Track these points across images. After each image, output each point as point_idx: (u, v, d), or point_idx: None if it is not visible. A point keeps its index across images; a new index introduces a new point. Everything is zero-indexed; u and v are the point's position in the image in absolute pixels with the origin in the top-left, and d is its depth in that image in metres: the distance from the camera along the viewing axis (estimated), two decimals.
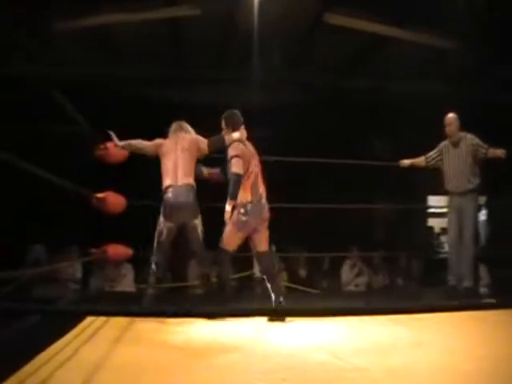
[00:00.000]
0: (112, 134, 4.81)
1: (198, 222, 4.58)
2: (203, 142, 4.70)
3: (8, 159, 2.76)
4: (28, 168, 3.08)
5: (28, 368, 2.56)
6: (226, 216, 4.38)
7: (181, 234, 4.62)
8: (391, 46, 7.65)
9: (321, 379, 2.51)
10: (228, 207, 4.35)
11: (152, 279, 4.54)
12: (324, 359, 2.87)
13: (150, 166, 4.90)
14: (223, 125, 4.71)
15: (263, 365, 2.72)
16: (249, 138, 4.73)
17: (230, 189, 4.37)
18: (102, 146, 4.88)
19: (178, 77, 8.30)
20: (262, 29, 7.04)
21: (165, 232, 4.51)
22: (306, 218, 7.47)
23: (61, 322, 3.70)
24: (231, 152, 4.48)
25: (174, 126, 4.81)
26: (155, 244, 4.57)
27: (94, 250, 5.40)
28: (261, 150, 4.81)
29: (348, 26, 7.17)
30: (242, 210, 4.38)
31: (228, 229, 4.43)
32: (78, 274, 7.27)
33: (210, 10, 6.86)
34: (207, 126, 4.74)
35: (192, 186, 4.57)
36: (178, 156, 4.58)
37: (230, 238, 4.45)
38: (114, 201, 5.17)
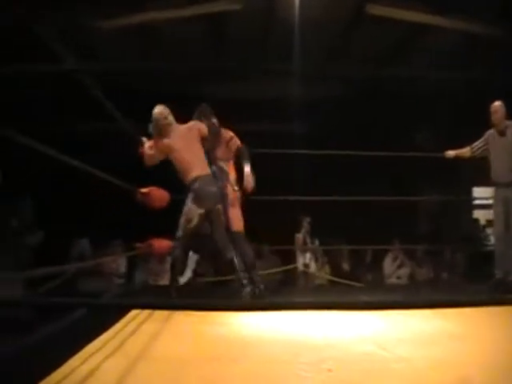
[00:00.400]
0: (144, 140, 4.89)
1: (221, 206, 4.77)
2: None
3: (50, 154, 2.80)
4: (67, 161, 3.12)
5: (76, 358, 2.62)
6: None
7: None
8: (432, 34, 7.52)
9: (366, 370, 2.49)
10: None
11: (176, 270, 4.66)
12: (369, 350, 2.85)
13: None
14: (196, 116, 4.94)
15: (308, 356, 2.71)
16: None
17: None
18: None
19: (217, 71, 8.34)
20: (303, 22, 7.00)
21: (195, 219, 4.63)
22: (349, 211, 7.42)
23: (106, 316, 3.75)
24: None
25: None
26: (181, 232, 4.68)
27: (139, 245, 5.47)
28: (302, 142, 4.83)
29: (389, 16, 7.08)
30: None
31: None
32: (123, 269, 7.39)
33: (251, 4, 6.86)
34: (246, 119, 4.77)
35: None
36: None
37: None
38: (159, 195, 5.22)
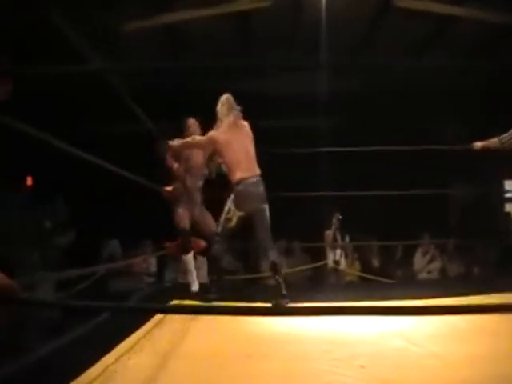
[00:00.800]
0: (167, 143, 4.93)
1: (266, 206, 4.63)
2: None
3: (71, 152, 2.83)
4: (98, 163, 3.16)
5: (109, 357, 2.65)
6: None
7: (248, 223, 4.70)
8: (459, 25, 7.43)
9: (399, 366, 2.48)
10: None
11: (216, 266, 4.67)
12: (400, 346, 2.84)
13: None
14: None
15: (339, 352, 2.70)
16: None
17: None
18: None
19: (246, 67, 8.35)
20: (330, 16, 6.97)
21: (234, 220, 4.59)
22: (379, 206, 7.37)
23: (136, 315, 3.78)
24: None
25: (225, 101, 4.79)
26: (220, 229, 4.66)
27: (168, 244, 5.51)
28: (330, 138, 4.80)
29: (416, 9, 7.02)
30: None
31: None
32: (153, 268, 7.44)
33: (279, 1, 6.86)
34: (275, 115, 4.75)
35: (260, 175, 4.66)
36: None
37: None
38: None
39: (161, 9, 6.94)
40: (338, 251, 7.68)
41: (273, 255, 4.62)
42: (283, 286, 4.48)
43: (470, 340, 3.00)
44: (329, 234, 7.69)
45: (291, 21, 7.47)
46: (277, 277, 4.57)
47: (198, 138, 4.84)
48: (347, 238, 7.80)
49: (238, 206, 4.57)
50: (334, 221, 7.69)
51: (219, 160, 4.89)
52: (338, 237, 7.65)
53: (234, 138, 4.60)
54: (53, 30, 2.49)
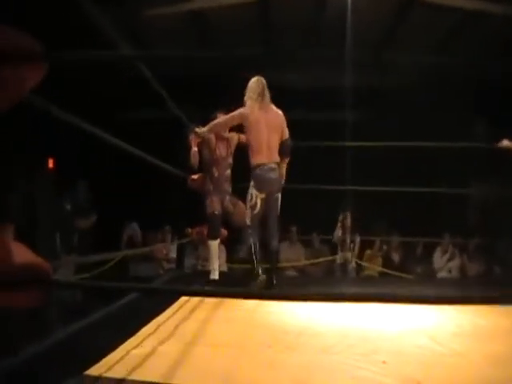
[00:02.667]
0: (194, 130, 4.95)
1: (279, 195, 4.76)
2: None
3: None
4: (121, 146, 3.16)
5: (131, 342, 2.67)
6: None
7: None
8: (486, 21, 7.33)
9: (421, 362, 2.46)
10: None
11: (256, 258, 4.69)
12: (422, 343, 2.82)
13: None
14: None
15: (362, 347, 2.69)
16: None
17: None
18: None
19: (267, 58, 8.30)
20: (354, 9, 6.92)
21: (258, 204, 4.67)
22: (401, 202, 7.33)
23: (157, 300, 3.79)
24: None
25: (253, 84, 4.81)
26: (249, 221, 4.73)
27: (190, 231, 5.52)
28: (353, 132, 4.79)
29: (440, 3, 6.94)
30: None
31: None
32: (173, 254, 7.48)
33: None
34: (296, 107, 4.74)
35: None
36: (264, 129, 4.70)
37: None
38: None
39: None
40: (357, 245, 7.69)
41: (274, 244, 4.76)
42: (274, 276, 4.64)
43: (493, 339, 2.97)
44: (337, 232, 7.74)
45: (313, 12, 7.42)
46: (271, 266, 4.72)
47: (226, 116, 4.86)
48: (357, 238, 7.80)
49: (258, 188, 4.67)
50: (341, 219, 7.69)
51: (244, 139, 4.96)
52: (346, 235, 7.67)
53: (261, 120, 4.64)
54: (81, 15, 2.49)
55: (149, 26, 7.41)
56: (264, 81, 4.77)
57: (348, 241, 7.61)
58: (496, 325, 3.38)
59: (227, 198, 5.18)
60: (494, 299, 1.99)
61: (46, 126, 5.11)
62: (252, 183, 4.71)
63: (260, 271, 4.66)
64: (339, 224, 7.72)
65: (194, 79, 7.95)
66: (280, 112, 4.78)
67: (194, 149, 5.01)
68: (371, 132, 6.20)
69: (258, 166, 4.66)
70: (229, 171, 5.24)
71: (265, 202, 4.74)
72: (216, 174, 5.16)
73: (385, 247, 7.97)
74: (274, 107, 4.77)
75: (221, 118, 4.89)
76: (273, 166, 4.68)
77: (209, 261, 5.19)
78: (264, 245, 4.78)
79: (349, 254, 7.58)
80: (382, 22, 7.58)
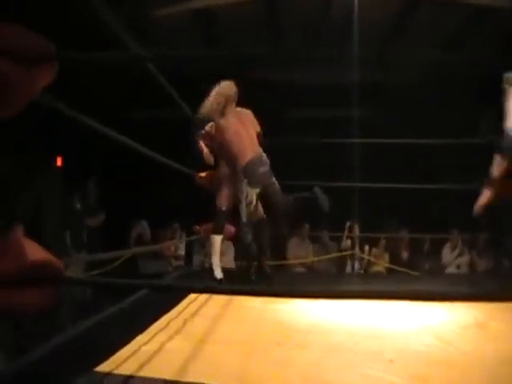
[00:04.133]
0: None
1: (274, 180, 4.84)
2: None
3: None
4: (130, 145, 3.18)
5: (141, 339, 2.69)
6: None
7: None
8: (494, 17, 7.30)
9: (429, 361, 2.47)
10: None
11: (251, 256, 4.74)
12: (430, 342, 2.82)
13: None
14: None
15: (370, 345, 2.70)
16: None
17: None
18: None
19: (275, 56, 8.32)
20: (360, 7, 6.92)
21: (254, 199, 4.75)
22: (409, 198, 7.32)
23: (166, 297, 3.82)
24: None
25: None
26: (244, 218, 4.77)
27: (198, 228, 5.54)
28: (360, 130, 4.81)
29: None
30: None
31: None
32: (181, 251, 7.50)
33: None
34: (301, 105, 4.76)
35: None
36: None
37: None
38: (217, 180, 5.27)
39: None
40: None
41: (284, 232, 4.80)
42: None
43: (500, 338, 2.97)
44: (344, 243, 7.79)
45: (320, 10, 7.42)
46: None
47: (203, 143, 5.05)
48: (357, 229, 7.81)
49: (251, 184, 4.74)
50: (347, 226, 7.72)
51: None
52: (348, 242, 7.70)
53: (236, 123, 4.78)
54: (91, 15, 2.51)
55: (155, 25, 7.42)
56: (228, 85, 4.91)
57: (357, 251, 7.63)
58: (504, 322, 3.37)
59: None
60: (506, 296, 1.99)
61: (54, 125, 5.14)
62: (245, 181, 4.75)
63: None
64: (346, 232, 7.75)
65: (199, 78, 7.97)
66: (247, 110, 4.95)
67: (205, 150, 5.08)
68: (378, 129, 6.20)
69: (248, 162, 4.73)
70: None
71: (262, 194, 4.82)
72: (223, 171, 5.20)
73: (391, 244, 7.96)
74: (238, 108, 4.92)
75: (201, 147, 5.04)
76: (260, 157, 4.79)
77: (210, 257, 5.20)
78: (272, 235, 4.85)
79: (356, 251, 7.59)
80: (388, 20, 7.55)
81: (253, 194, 4.76)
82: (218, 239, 5.14)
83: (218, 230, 5.17)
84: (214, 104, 4.77)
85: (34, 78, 1.17)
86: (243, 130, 4.77)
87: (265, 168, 4.77)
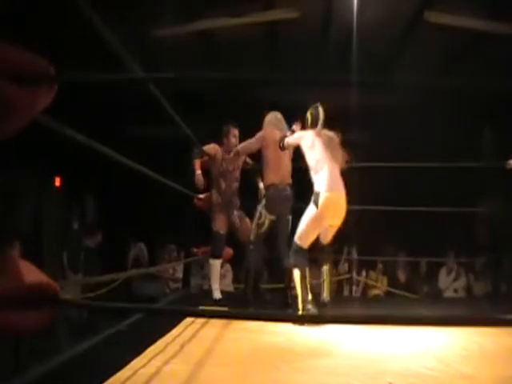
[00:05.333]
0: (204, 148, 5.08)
1: (290, 217, 4.84)
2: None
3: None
4: (128, 165, 3.17)
5: (137, 362, 2.66)
6: None
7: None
8: (493, 42, 7.34)
9: None
10: None
11: (251, 275, 4.72)
12: (430, 365, 2.80)
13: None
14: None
15: (369, 368, 2.68)
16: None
17: None
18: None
19: (275, 79, 8.37)
20: (360, 30, 6.96)
21: (266, 224, 4.78)
22: (407, 221, 7.32)
23: (163, 320, 3.79)
24: None
25: (271, 116, 5.09)
26: (253, 237, 4.83)
27: (195, 250, 5.52)
28: (357, 153, 4.84)
29: (448, 24, 6.97)
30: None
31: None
32: (179, 274, 7.47)
33: (307, 12, 6.88)
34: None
35: (291, 185, 4.92)
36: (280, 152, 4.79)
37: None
38: None
39: (191, 18, 7.01)
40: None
41: (285, 263, 4.69)
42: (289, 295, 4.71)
43: (501, 361, 2.96)
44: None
45: (319, 33, 7.48)
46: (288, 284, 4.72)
47: (249, 142, 5.07)
48: (355, 253, 7.80)
49: (268, 209, 4.78)
50: (345, 251, 7.72)
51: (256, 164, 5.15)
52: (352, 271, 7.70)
53: (277, 144, 4.73)
54: (92, 35, 2.52)
55: (156, 47, 7.47)
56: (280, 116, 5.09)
57: (354, 275, 7.63)
58: (504, 346, 3.36)
59: (235, 212, 5.20)
60: (503, 321, 1.97)
61: (53, 145, 5.15)
62: (263, 202, 4.82)
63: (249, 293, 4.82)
64: (344, 255, 7.76)
65: (199, 96, 8.02)
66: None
67: (198, 172, 5.08)
68: (375, 152, 6.22)
69: (272, 185, 4.81)
70: (236, 184, 5.28)
71: (275, 223, 4.83)
72: (223, 187, 5.20)
73: (388, 267, 7.94)
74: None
75: (247, 142, 5.08)
76: (286, 187, 4.85)
77: (210, 280, 5.17)
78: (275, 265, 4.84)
79: (353, 275, 7.59)
80: (388, 42, 7.60)
81: (267, 218, 4.81)
82: (217, 263, 5.13)
83: (216, 254, 5.15)
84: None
85: (33, 99, 1.17)
86: (281, 153, 4.80)
87: (287, 197, 4.83)
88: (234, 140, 5.21)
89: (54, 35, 5.94)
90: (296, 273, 4.27)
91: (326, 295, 4.54)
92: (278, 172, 4.84)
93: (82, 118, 4.68)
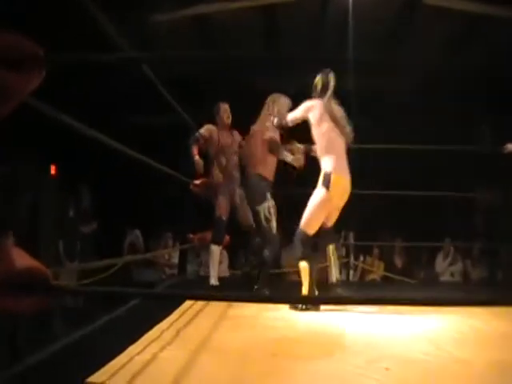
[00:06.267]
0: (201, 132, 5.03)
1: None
2: None
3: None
4: (124, 151, 3.15)
5: (134, 348, 2.65)
6: None
7: None
8: (491, 24, 7.30)
9: (424, 370, 2.45)
10: None
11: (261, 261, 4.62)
12: (426, 350, 2.80)
13: None
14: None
15: (365, 354, 2.67)
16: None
17: None
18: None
19: (272, 62, 8.32)
20: (356, 13, 6.92)
21: (272, 211, 4.60)
22: (404, 206, 7.32)
23: (160, 306, 3.78)
24: None
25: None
26: (267, 225, 4.60)
27: (192, 236, 5.51)
28: (356, 137, 4.73)
29: (445, 6, 6.93)
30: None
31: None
32: (175, 260, 7.47)
33: None
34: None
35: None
36: None
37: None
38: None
39: (187, 1, 6.96)
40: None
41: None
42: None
43: (496, 345, 2.97)
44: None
45: (316, 16, 7.43)
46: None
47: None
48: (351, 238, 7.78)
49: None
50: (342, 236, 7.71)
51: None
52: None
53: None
54: (86, 18, 2.49)
55: (153, 31, 7.41)
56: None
57: (352, 260, 7.60)
58: (498, 330, 3.38)
59: (237, 191, 5.18)
60: (495, 301, 1.98)
61: (48, 132, 5.12)
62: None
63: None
64: (341, 240, 7.72)
65: (195, 81, 7.98)
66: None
67: (196, 157, 5.08)
68: (372, 135, 6.19)
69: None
70: (236, 158, 5.28)
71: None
72: (224, 162, 5.21)
73: (385, 252, 7.95)
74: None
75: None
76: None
77: (209, 266, 5.16)
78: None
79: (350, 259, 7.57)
80: (385, 25, 7.56)
81: (272, 205, 4.63)
82: (217, 250, 5.11)
83: (217, 240, 5.13)
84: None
85: (23, 81, 1.16)
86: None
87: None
88: (225, 115, 5.27)
89: (48, 20, 5.87)
90: (303, 265, 4.10)
91: (335, 275, 4.35)
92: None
93: (77, 105, 4.64)
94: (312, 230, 4.12)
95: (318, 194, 4.03)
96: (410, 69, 7.90)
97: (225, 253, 7.08)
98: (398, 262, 7.95)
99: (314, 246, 4.38)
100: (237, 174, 5.25)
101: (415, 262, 8.10)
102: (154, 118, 7.79)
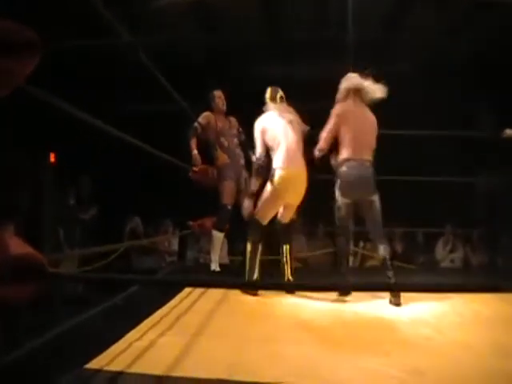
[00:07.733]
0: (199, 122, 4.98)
1: (375, 197, 4.31)
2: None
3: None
4: (124, 138, 3.13)
5: (133, 334, 2.65)
6: None
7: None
8: (495, 9, 7.25)
9: (425, 353, 2.46)
10: None
11: (344, 260, 4.39)
12: (427, 333, 2.81)
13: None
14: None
15: (365, 338, 2.68)
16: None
17: None
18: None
19: (271, 49, 8.28)
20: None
21: (343, 208, 4.23)
22: (404, 192, 7.29)
23: (160, 292, 3.78)
24: None
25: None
26: (337, 222, 4.33)
27: (192, 223, 5.49)
28: None
29: None
30: None
31: None
32: (175, 247, 7.47)
33: None
34: (301, 99, 4.70)
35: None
36: None
37: None
38: (212, 175, 5.23)
39: None
40: None
41: (381, 250, 4.22)
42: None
43: (495, 328, 2.98)
44: None
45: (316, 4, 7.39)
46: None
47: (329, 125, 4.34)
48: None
49: (343, 193, 4.21)
50: None
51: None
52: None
53: (358, 115, 4.46)
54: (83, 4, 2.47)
55: (150, 16, 7.36)
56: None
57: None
58: (498, 314, 3.38)
59: (243, 173, 5.18)
60: (495, 287, 1.98)
61: (47, 120, 5.10)
62: (338, 183, 4.21)
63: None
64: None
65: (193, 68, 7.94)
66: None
67: (194, 151, 5.10)
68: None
69: (345, 161, 4.21)
70: (236, 139, 5.29)
71: (355, 207, 4.29)
72: (226, 143, 5.22)
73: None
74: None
75: (327, 130, 4.31)
76: (362, 163, 4.28)
77: (210, 252, 5.14)
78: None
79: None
80: (386, 8, 7.49)
81: (342, 202, 4.28)
82: (220, 236, 5.11)
83: (221, 227, 5.12)
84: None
85: (19, 65, 1.15)
86: (361, 127, 4.48)
87: (362, 175, 4.27)
88: (220, 102, 5.32)
89: (45, 6, 5.83)
90: (248, 246, 4.19)
91: (288, 274, 4.29)
92: (358, 145, 4.30)
93: (75, 92, 4.61)
94: (264, 220, 4.22)
95: (266, 188, 4.16)
96: (409, 53, 7.89)
97: (225, 240, 7.07)
98: (398, 247, 7.95)
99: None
100: (240, 152, 5.27)
101: (415, 248, 8.09)
102: (153, 104, 7.74)
